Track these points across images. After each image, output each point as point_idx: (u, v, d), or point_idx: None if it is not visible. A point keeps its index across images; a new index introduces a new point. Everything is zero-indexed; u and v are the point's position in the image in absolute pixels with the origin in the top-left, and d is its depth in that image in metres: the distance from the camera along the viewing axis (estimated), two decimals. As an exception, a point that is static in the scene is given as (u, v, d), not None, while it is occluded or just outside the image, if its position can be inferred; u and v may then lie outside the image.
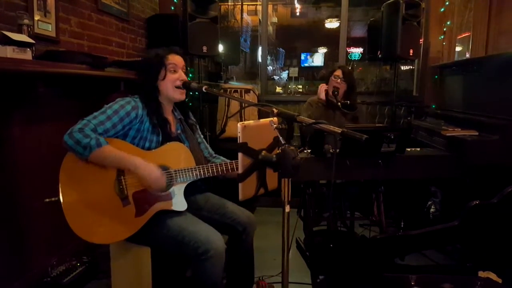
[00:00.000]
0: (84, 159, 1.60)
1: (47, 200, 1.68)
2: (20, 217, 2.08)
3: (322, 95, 2.86)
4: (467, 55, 3.36)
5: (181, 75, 1.81)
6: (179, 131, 1.90)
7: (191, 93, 3.52)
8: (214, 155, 2.07)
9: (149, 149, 1.75)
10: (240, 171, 1.24)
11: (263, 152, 1.23)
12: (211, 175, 1.77)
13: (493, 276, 1.93)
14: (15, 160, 2.03)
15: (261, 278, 2.26)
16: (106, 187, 1.67)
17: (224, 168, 1.77)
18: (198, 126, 2.07)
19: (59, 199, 1.62)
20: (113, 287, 1.83)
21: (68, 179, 1.64)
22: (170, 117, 1.88)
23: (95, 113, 1.67)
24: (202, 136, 2.07)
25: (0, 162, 1.96)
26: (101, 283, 2.33)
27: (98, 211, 1.65)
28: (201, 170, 1.75)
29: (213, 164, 1.78)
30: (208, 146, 2.08)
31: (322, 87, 2.88)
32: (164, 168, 1.72)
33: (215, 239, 1.62)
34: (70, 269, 2.25)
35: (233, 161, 1.80)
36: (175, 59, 1.81)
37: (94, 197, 1.65)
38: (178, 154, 1.78)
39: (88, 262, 2.35)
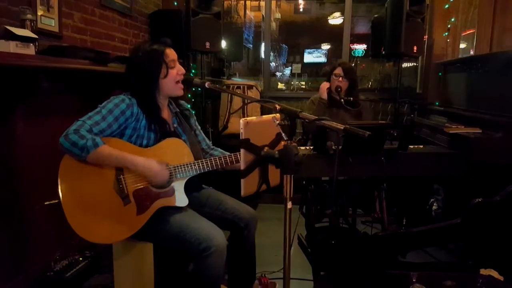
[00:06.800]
0: (82, 160, 1.59)
1: (48, 202, 1.67)
2: (23, 211, 2.08)
3: (324, 95, 2.82)
4: (471, 52, 3.33)
5: (180, 68, 1.80)
6: (175, 125, 1.89)
7: (193, 89, 3.52)
8: (212, 147, 2.07)
9: (146, 146, 1.74)
10: (242, 167, 1.24)
11: (266, 148, 1.23)
12: (210, 169, 1.76)
13: (495, 273, 1.93)
14: (18, 154, 2.04)
15: (263, 274, 2.26)
16: (106, 187, 1.66)
17: (223, 161, 1.76)
18: (193, 115, 2.05)
19: (59, 201, 1.61)
20: (115, 282, 1.84)
21: (67, 180, 1.63)
22: (165, 112, 1.86)
23: (90, 113, 1.64)
24: (199, 127, 2.06)
25: (4, 157, 1.97)
26: (103, 277, 2.34)
27: (99, 211, 1.65)
28: (200, 165, 1.75)
29: (212, 158, 1.77)
30: (205, 137, 2.07)
31: (324, 87, 2.84)
32: None
33: (216, 236, 1.62)
34: (73, 263, 2.26)
35: (232, 154, 1.79)
36: (172, 54, 1.79)
37: (95, 198, 1.65)
38: (176, 150, 1.77)
39: (91, 257, 2.35)
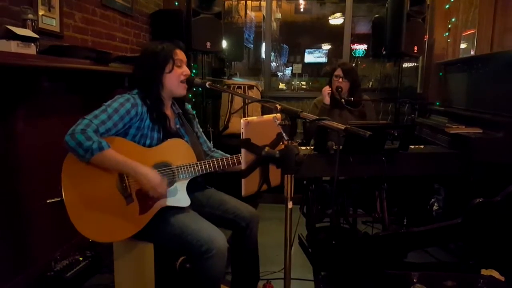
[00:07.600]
0: (85, 161, 1.58)
1: (50, 200, 1.67)
2: (24, 211, 2.09)
3: (327, 99, 2.78)
4: (472, 52, 3.33)
5: (186, 69, 1.81)
6: (178, 126, 1.89)
7: (194, 89, 3.52)
8: (213, 149, 2.08)
9: (150, 146, 1.74)
10: (243, 167, 1.24)
11: (266, 148, 1.23)
12: (212, 170, 1.77)
13: (495, 274, 1.93)
14: (19, 154, 2.04)
15: (268, 281, 2.25)
16: (109, 186, 1.66)
17: (225, 163, 1.77)
18: (196, 118, 2.06)
19: (62, 199, 1.61)
20: (116, 282, 1.84)
21: (70, 179, 1.63)
22: (169, 112, 1.87)
23: (96, 112, 1.63)
24: (201, 130, 2.07)
25: (5, 156, 1.97)
26: (104, 277, 2.34)
27: (102, 210, 1.65)
28: (203, 166, 1.76)
29: (214, 159, 1.79)
30: (207, 140, 2.08)
31: (326, 91, 2.80)
32: (165, 164, 1.73)
33: (217, 238, 1.61)
34: (73, 263, 2.26)
35: (233, 155, 1.80)
36: (182, 55, 1.81)
37: (98, 196, 1.65)
38: (179, 150, 1.78)
39: (92, 257, 2.36)
